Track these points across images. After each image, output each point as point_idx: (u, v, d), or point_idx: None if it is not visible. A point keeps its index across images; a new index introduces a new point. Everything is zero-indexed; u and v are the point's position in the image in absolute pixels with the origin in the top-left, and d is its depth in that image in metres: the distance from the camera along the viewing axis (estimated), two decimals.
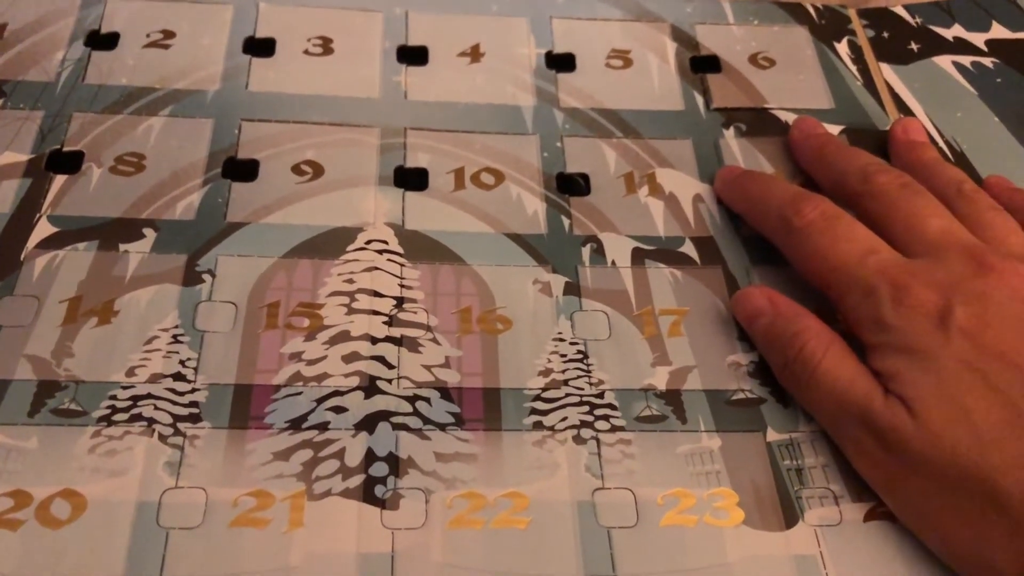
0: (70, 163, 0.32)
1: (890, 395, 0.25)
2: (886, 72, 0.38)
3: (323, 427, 0.27)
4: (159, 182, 0.32)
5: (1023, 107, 0.37)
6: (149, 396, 0.27)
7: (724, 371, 0.29)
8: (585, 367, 0.29)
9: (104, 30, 0.36)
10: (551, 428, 0.27)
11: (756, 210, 0.32)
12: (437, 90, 0.36)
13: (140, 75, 0.35)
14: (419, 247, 0.31)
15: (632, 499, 0.26)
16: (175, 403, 0.27)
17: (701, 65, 0.37)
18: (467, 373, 0.28)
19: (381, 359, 0.28)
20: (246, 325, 0.29)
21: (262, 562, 0.24)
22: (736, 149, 0.35)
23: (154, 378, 0.27)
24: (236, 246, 0.30)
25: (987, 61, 0.39)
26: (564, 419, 0.28)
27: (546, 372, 0.29)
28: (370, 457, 0.26)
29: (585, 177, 0.34)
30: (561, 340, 0.29)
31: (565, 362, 0.29)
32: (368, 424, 0.27)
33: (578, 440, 0.27)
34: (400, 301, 0.30)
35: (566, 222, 0.32)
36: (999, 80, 0.38)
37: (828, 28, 0.39)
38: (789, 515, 0.26)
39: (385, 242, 0.31)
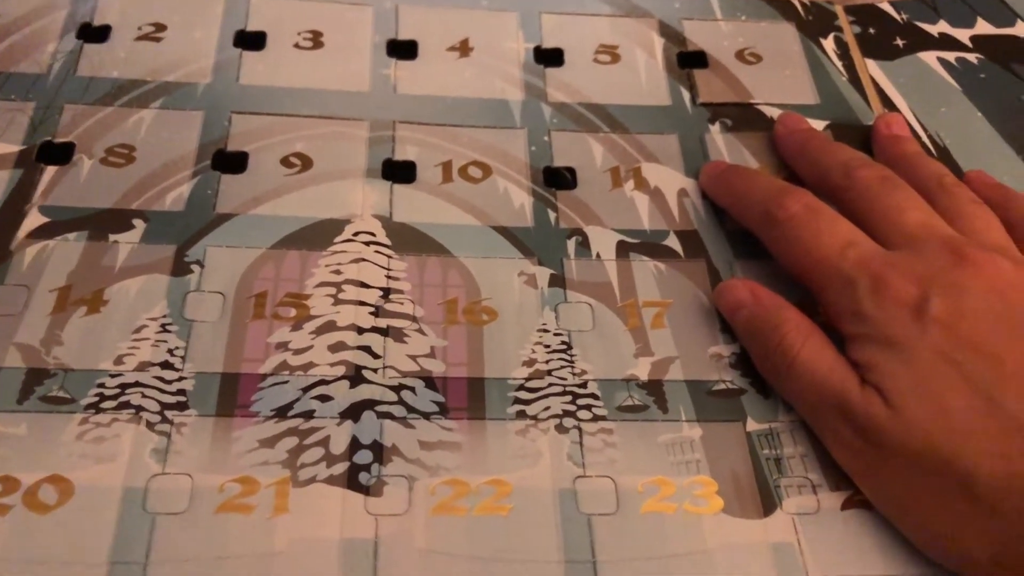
0: (61, 154, 0.32)
1: (867, 386, 0.26)
2: (871, 68, 0.38)
3: (308, 415, 0.27)
4: (149, 173, 0.32)
5: (1006, 103, 0.37)
6: (137, 384, 0.27)
7: (706, 362, 0.29)
8: (568, 358, 0.29)
9: (96, 23, 0.36)
10: (534, 417, 0.28)
11: (740, 204, 0.32)
12: (426, 84, 0.36)
13: (131, 68, 0.35)
14: (406, 239, 0.31)
15: (613, 487, 0.26)
16: (163, 391, 0.27)
17: (688, 60, 0.38)
18: (452, 363, 0.29)
19: (367, 349, 0.29)
20: (234, 315, 0.29)
21: (247, 547, 0.25)
22: (722, 144, 0.35)
23: (142, 366, 0.28)
24: (225, 237, 0.31)
25: (972, 57, 0.39)
26: (547, 408, 0.28)
27: (530, 362, 0.29)
28: (355, 445, 0.27)
29: (572, 171, 0.34)
30: (545, 331, 0.30)
31: (549, 353, 0.29)
32: (353, 412, 0.27)
33: (560, 429, 0.27)
34: (387, 292, 0.30)
35: (552, 215, 0.33)
36: (983, 76, 0.38)
37: (815, 24, 0.40)
38: (767, 503, 0.26)
39: (373, 234, 0.31)
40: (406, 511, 0.26)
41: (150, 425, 0.27)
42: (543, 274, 0.31)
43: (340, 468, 0.26)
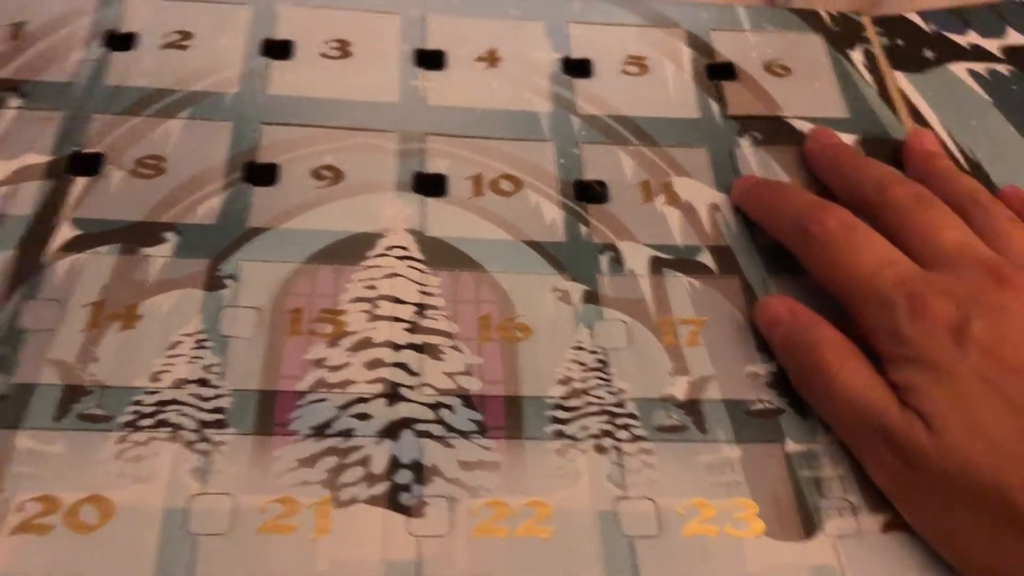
0: (91, 165, 0.32)
1: (907, 408, 0.26)
2: (900, 81, 0.38)
3: (347, 434, 0.27)
4: (179, 185, 0.32)
5: None
6: (174, 402, 0.27)
7: (743, 381, 0.29)
8: (605, 376, 0.29)
9: (121, 30, 0.36)
10: (572, 437, 0.28)
11: (773, 217, 0.32)
12: (455, 95, 0.36)
13: (158, 76, 0.35)
14: (439, 254, 0.31)
15: (654, 509, 0.26)
16: (200, 409, 0.27)
17: (716, 72, 0.38)
18: (488, 381, 0.29)
19: (403, 366, 0.29)
20: (270, 331, 0.29)
21: (290, 569, 0.25)
22: (752, 158, 0.35)
23: (179, 383, 0.27)
24: (258, 251, 0.30)
25: (1003, 68, 0.39)
26: (585, 428, 0.28)
27: (566, 381, 0.29)
28: (394, 464, 0.27)
29: (602, 184, 0.34)
30: (581, 349, 0.30)
31: (585, 371, 0.29)
32: (392, 431, 0.27)
33: (599, 449, 0.27)
34: (421, 308, 0.30)
35: (584, 230, 0.33)
36: (1015, 88, 0.38)
37: (843, 36, 0.39)
38: (808, 526, 0.27)
39: (405, 248, 0.31)
40: (448, 532, 0.26)
41: (188, 444, 0.26)
42: (576, 290, 0.31)
43: (381, 488, 0.26)
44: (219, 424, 0.27)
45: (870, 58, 0.39)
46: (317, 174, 0.33)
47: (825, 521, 0.27)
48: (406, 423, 0.27)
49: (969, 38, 0.40)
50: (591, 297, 0.31)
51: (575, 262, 0.32)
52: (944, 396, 0.25)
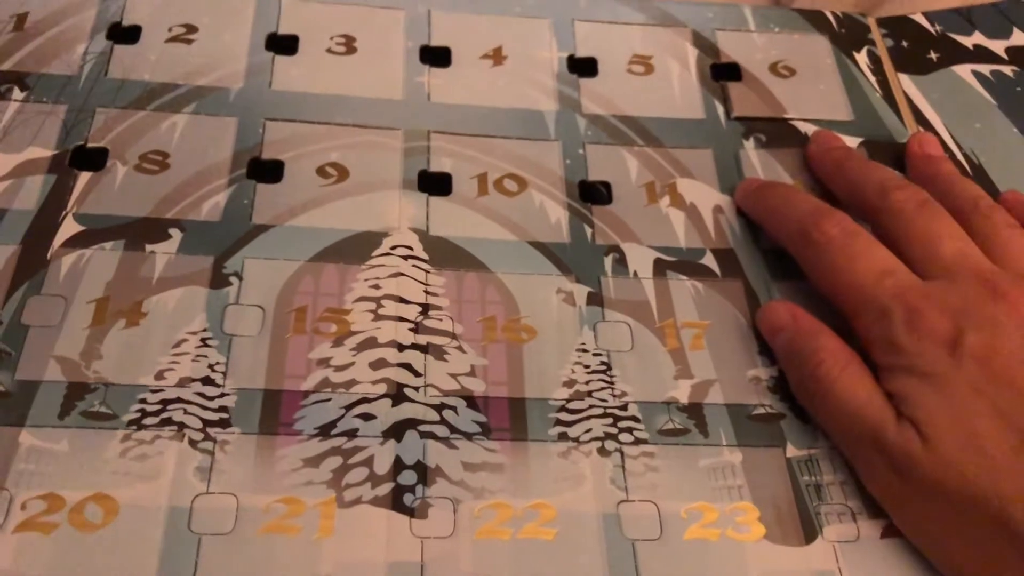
0: (95, 160, 0.32)
1: (902, 419, 0.26)
2: (905, 83, 0.38)
3: (352, 434, 0.27)
4: (184, 181, 0.32)
5: None
6: (179, 400, 0.27)
7: (745, 385, 0.29)
8: (608, 379, 0.29)
9: (125, 22, 0.36)
10: (576, 439, 0.28)
11: (776, 221, 0.32)
12: (460, 93, 0.36)
13: (163, 71, 0.35)
14: (444, 253, 0.31)
15: (656, 512, 0.27)
16: (205, 408, 0.27)
17: (722, 73, 0.38)
18: (492, 382, 0.29)
19: (408, 366, 0.29)
20: (274, 329, 0.29)
21: (293, 569, 0.25)
22: (756, 160, 0.35)
23: (183, 382, 0.28)
24: (263, 249, 0.30)
25: (1007, 69, 0.39)
26: (588, 431, 0.28)
27: (570, 383, 0.29)
28: (398, 465, 0.27)
29: (607, 185, 0.34)
30: (585, 351, 0.30)
31: (589, 373, 0.29)
32: (396, 432, 0.27)
33: (603, 452, 0.28)
34: (426, 308, 0.30)
35: (588, 231, 0.33)
36: (1019, 89, 0.38)
37: (848, 37, 0.39)
38: (809, 531, 0.27)
39: (410, 248, 0.31)
40: (451, 534, 0.26)
41: (193, 443, 0.26)
42: (581, 292, 0.31)
43: (385, 489, 0.26)
44: (224, 423, 0.27)
45: (875, 60, 0.39)
46: (322, 171, 0.33)
47: (825, 526, 0.27)
48: (410, 424, 0.28)
49: (974, 39, 0.40)
50: (595, 299, 0.31)
51: (580, 264, 0.32)
52: (938, 407, 0.25)
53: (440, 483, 0.27)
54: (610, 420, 0.28)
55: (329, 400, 0.28)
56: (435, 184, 0.33)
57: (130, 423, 0.27)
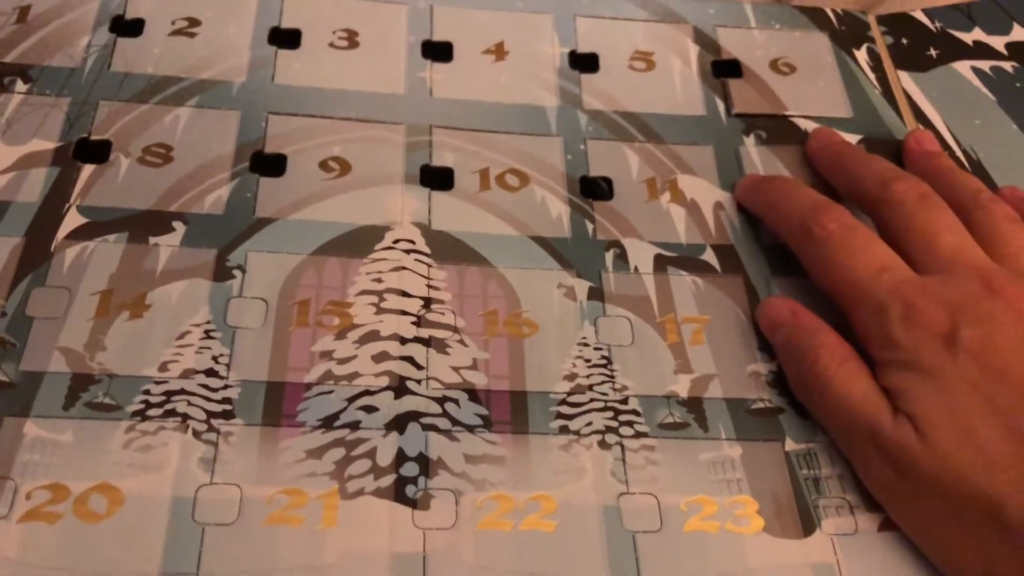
0: (98, 152, 0.32)
1: (899, 414, 0.26)
2: (904, 80, 0.38)
3: (354, 426, 0.27)
4: (187, 174, 0.32)
5: None
6: (182, 392, 0.27)
7: (744, 380, 0.30)
8: (609, 373, 0.29)
9: (128, 15, 0.36)
10: (577, 432, 0.28)
11: (776, 214, 0.32)
12: (462, 88, 0.36)
13: (166, 64, 0.35)
14: (446, 248, 0.31)
15: (656, 504, 0.27)
16: (208, 399, 0.27)
17: (722, 69, 0.38)
18: (494, 376, 0.29)
19: (410, 359, 0.29)
20: (277, 322, 0.29)
21: (297, 559, 0.25)
22: (756, 157, 0.35)
23: (187, 373, 0.28)
24: (266, 242, 0.31)
25: (1007, 65, 0.39)
26: (589, 424, 0.28)
27: (571, 377, 0.29)
28: (401, 457, 0.27)
29: (608, 181, 0.34)
30: (585, 345, 0.30)
31: (590, 367, 0.29)
32: (398, 424, 0.28)
33: (603, 445, 0.28)
34: (428, 302, 0.30)
35: (590, 226, 0.33)
36: (1019, 85, 0.38)
37: (848, 34, 0.40)
38: (807, 524, 0.27)
39: (412, 242, 0.31)
40: (453, 525, 0.26)
41: (196, 434, 0.27)
42: (582, 287, 0.31)
43: (387, 480, 0.26)
44: (227, 415, 0.27)
45: (874, 58, 0.39)
46: (325, 166, 0.33)
47: (823, 519, 0.27)
48: (412, 416, 0.28)
49: (974, 35, 0.40)
50: (596, 294, 0.31)
51: (581, 258, 0.32)
52: (934, 402, 0.26)
53: (442, 475, 0.27)
54: (611, 414, 0.28)
55: (332, 392, 0.28)
56: (437, 179, 0.33)
57: (134, 414, 0.27)
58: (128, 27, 0.35)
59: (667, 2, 0.40)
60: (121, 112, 0.33)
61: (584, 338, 0.30)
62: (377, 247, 0.31)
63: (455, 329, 0.30)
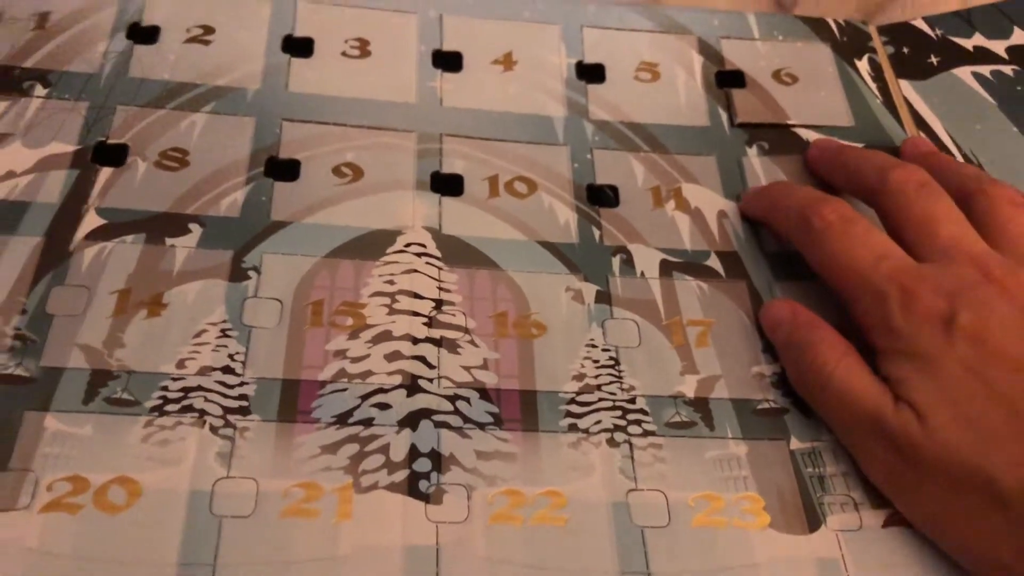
0: (116, 156, 0.33)
1: (900, 402, 0.27)
2: (906, 89, 0.39)
3: (368, 423, 0.28)
4: (203, 178, 0.33)
5: None
6: (199, 388, 0.28)
7: (749, 381, 0.30)
8: (617, 373, 0.30)
9: (145, 22, 0.36)
10: (586, 431, 0.29)
11: (777, 211, 0.33)
12: (471, 97, 0.37)
13: (181, 70, 0.35)
14: (456, 251, 0.32)
15: (664, 500, 0.27)
16: (225, 396, 0.28)
17: (726, 80, 0.39)
18: (504, 375, 0.30)
19: (422, 359, 0.29)
20: (292, 322, 0.30)
21: (313, 552, 0.25)
22: (759, 167, 0.36)
23: (204, 371, 0.28)
24: (280, 244, 0.31)
25: (1007, 69, 0.40)
26: (598, 422, 0.29)
27: (580, 377, 0.30)
28: (414, 453, 0.27)
29: (614, 189, 0.35)
30: (594, 346, 0.31)
31: (598, 368, 0.30)
32: (411, 421, 0.28)
33: (611, 443, 0.28)
34: (439, 303, 0.31)
35: (596, 232, 0.34)
36: (1019, 88, 0.39)
37: (849, 45, 0.41)
38: (812, 520, 0.28)
39: (423, 246, 0.32)
40: (466, 519, 0.26)
41: (213, 429, 0.27)
42: (589, 290, 0.32)
43: (400, 475, 0.27)
44: (243, 411, 0.28)
45: (875, 67, 0.40)
46: (338, 171, 0.34)
47: (828, 515, 0.28)
48: (425, 413, 0.28)
49: (975, 41, 0.41)
50: (603, 297, 0.32)
51: (588, 263, 0.33)
52: (933, 387, 0.26)
53: (454, 470, 0.27)
54: (619, 412, 0.29)
55: (346, 390, 0.28)
56: (447, 185, 0.34)
57: (152, 409, 0.27)
58: (144, 34, 0.36)
59: (672, 13, 0.41)
60: (138, 117, 0.34)
61: (592, 340, 0.31)
62: (389, 250, 0.32)
63: (466, 330, 0.30)
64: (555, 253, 0.33)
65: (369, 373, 0.29)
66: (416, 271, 0.31)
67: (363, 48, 0.37)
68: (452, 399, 0.29)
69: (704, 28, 0.40)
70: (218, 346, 0.29)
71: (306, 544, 0.26)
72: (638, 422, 0.29)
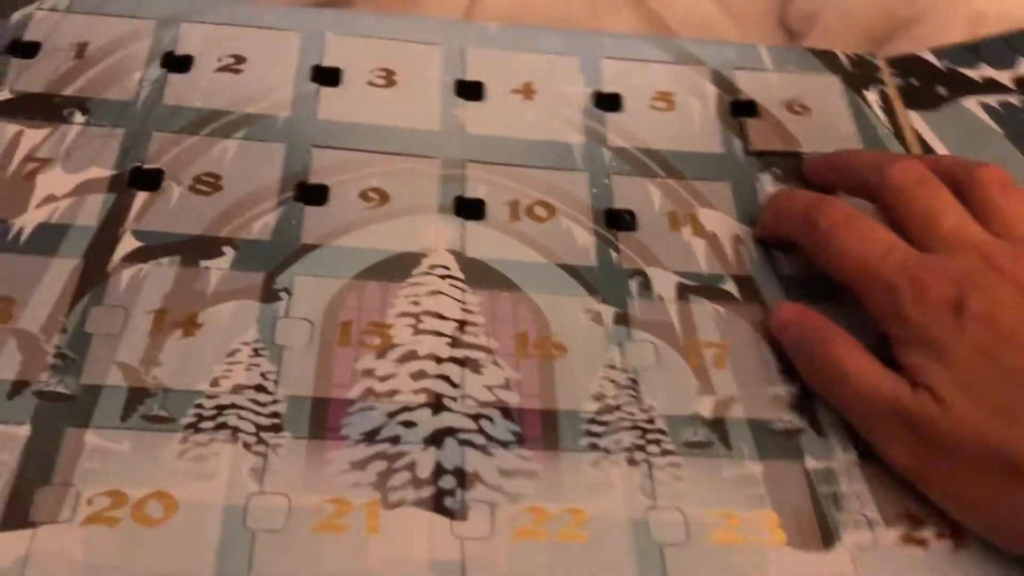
0: (151, 180, 0.34)
1: (917, 388, 0.28)
2: (914, 120, 0.40)
3: (395, 440, 0.29)
4: (235, 202, 0.34)
5: None
6: (233, 406, 0.29)
7: (766, 402, 0.31)
8: (635, 394, 0.31)
9: (178, 52, 0.38)
10: (606, 450, 0.29)
11: (783, 218, 0.34)
12: (493, 125, 0.38)
13: (214, 98, 0.37)
14: (479, 274, 0.33)
15: (682, 518, 0.28)
16: (258, 413, 0.29)
17: (740, 110, 0.40)
18: (526, 395, 0.30)
19: (446, 378, 0.30)
20: (321, 341, 0.31)
21: (343, 566, 0.26)
22: (772, 192, 0.37)
23: (237, 389, 0.29)
24: (310, 267, 0.32)
25: (1015, 99, 0.41)
26: (618, 442, 0.30)
27: (599, 397, 0.31)
28: (439, 470, 0.28)
29: (631, 213, 0.36)
30: (612, 367, 0.31)
31: (617, 388, 0.31)
32: (436, 439, 0.29)
33: (631, 462, 0.29)
34: (462, 324, 0.32)
35: (614, 255, 0.34)
36: None
37: (859, 76, 0.42)
38: (827, 538, 0.28)
39: (447, 268, 0.33)
40: (490, 535, 0.27)
41: (247, 446, 0.28)
42: (608, 312, 0.33)
43: (427, 492, 0.28)
44: (276, 428, 0.29)
45: (884, 99, 0.41)
46: (365, 196, 0.35)
47: (843, 534, 0.28)
48: (449, 432, 0.29)
49: (982, 72, 0.42)
50: (622, 319, 0.33)
51: (606, 285, 0.34)
52: (948, 371, 0.27)
53: (478, 487, 0.28)
54: (638, 432, 0.30)
55: (373, 408, 0.29)
56: (470, 209, 0.35)
57: (187, 426, 0.28)
58: (178, 63, 0.38)
59: (687, 46, 0.42)
60: (172, 143, 0.35)
61: (611, 360, 0.32)
62: (414, 272, 0.33)
63: (488, 350, 0.31)
64: (574, 275, 0.34)
65: (395, 392, 0.30)
66: (440, 293, 0.32)
67: (389, 78, 0.39)
68: (475, 418, 0.30)
69: (718, 60, 0.41)
70: (251, 365, 0.30)
71: (336, 558, 0.26)
72: (657, 441, 0.30)
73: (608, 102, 0.39)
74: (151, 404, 0.29)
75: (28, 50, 0.37)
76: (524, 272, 0.34)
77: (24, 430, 0.28)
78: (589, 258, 0.34)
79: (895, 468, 0.29)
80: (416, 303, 0.32)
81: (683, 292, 0.34)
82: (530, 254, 0.34)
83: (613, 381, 0.31)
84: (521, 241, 0.34)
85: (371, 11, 0.42)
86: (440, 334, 0.31)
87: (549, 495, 0.28)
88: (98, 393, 0.29)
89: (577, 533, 0.28)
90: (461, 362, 0.31)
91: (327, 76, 0.38)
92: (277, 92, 0.37)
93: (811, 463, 0.30)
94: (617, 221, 0.36)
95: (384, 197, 0.35)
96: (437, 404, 0.30)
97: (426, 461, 0.29)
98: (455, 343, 0.31)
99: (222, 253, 0.32)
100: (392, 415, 0.29)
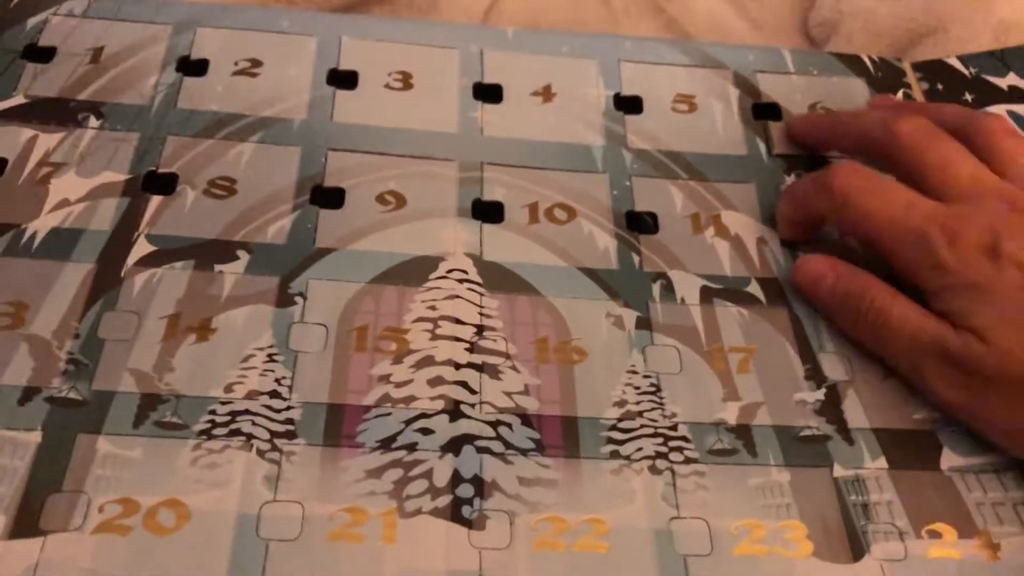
0: (165, 184, 0.34)
1: (960, 329, 0.28)
2: None
3: (412, 448, 0.28)
4: (250, 206, 0.33)
5: None
6: (247, 412, 0.28)
7: (792, 408, 0.30)
8: (658, 400, 0.30)
9: (194, 56, 0.38)
10: (627, 458, 0.29)
11: (799, 204, 0.34)
12: (511, 127, 0.37)
13: (229, 102, 0.36)
14: (497, 278, 0.33)
15: (707, 528, 0.27)
16: (272, 420, 0.28)
17: (763, 112, 0.39)
18: (546, 401, 0.30)
19: (464, 384, 0.30)
20: (337, 347, 0.30)
21: (358, 575, 0.26)
22: None
23: (251, 395, 0.29)
24: (326, 271, 0.32)
25: None
26: (640, 449, 0.29)
27: (621, 403, 0.30)
28: (456, 478, 0.28)
29: (653, 216, 0.35)
30: (634, 373, 0.31)
31: (639, 394, 0.30)
32: (454, 446, 0.28)
33: (654, 470, 0.28)
34: (480, 329, 0.31)
35: (636, 259, 0.34)
36: None
37: (884, 81, 0.41)
38: (856, 549, 0.27)
39: (465, 272, 0.33)
40: (508, 545, 0.27)
41: (260, 453, 0.28)
42: (630, 316, 0.32)
43: (444, 501, 0.27)
44: (290, 435, 0.28)
45: (910, 102, 0.40)
46: (381, 199, 0.34)
47: (872, 544, 0.28)
48: (467, 439, 0.29)
49: (1009, 80, 0.41)
50: (644, 323, 0.32)
51: (628, 289, 0.33)
52: (990, 310, 0.28)
53: (497, 496, 0.27)
54: (660, 439, 0.29)
55: (390, 415, 0.29)
56: (488, 212, 0.34)
57: (200, 433, 0.28)
58: (194, 67, 0.37)
59: (707, 49, 0.41)
60: (187, 147, 0.35)
61: (633, 366, 0.31)
62: (432, 276, 0.32)
63: (507, 356, 0.31)
64: (595, 279, 0.33)
65: (412, 398, 0.29)
66: (458, 297, 0.32)
67: (405, 81, 0.38)
68: (494, 425, 0.29)
69: (740, 63, 0.41)
70: (265, 370, 0.29)
71: (351, 568, 0.26)
72: (680, 449, 0.29)
73: (628, 104, 0.39)
74: (164, 410, 0.28)
75: (44, 55, 0.37)
76: (543, 276, 0.33)
77: (35, 436, 0.27)
78: (610, 261, 0.34)
79: (943, 405, 0.30)
80: (433, 308, 0.32)
81: (707, 295, 0.33)
82: (549, 257, 0.33)
83: (635, 387, 0.30)
84: (540, 244, 0.34)
85: (388, 17, 0.42)
86: (458, 339, 0.31)
87: (569, 504, 0.28)
88: (110, 399, 0.28)
89: (598, 544, 0.27)
90: (479, 368, 0.30)
91: (343, 79, 0.38)
92: (293, 96, 0.37)
93: (839, 471, 0.29)
94: (639, 223, 0.35)
95: (401, 200, 0.34)
96: (455, 411, 0.29)
97: (443, 469, 0.28)
98: (473, 348, 0.31)
99: (237, 257, 0.32)
100: (408, 422, 0.29)
